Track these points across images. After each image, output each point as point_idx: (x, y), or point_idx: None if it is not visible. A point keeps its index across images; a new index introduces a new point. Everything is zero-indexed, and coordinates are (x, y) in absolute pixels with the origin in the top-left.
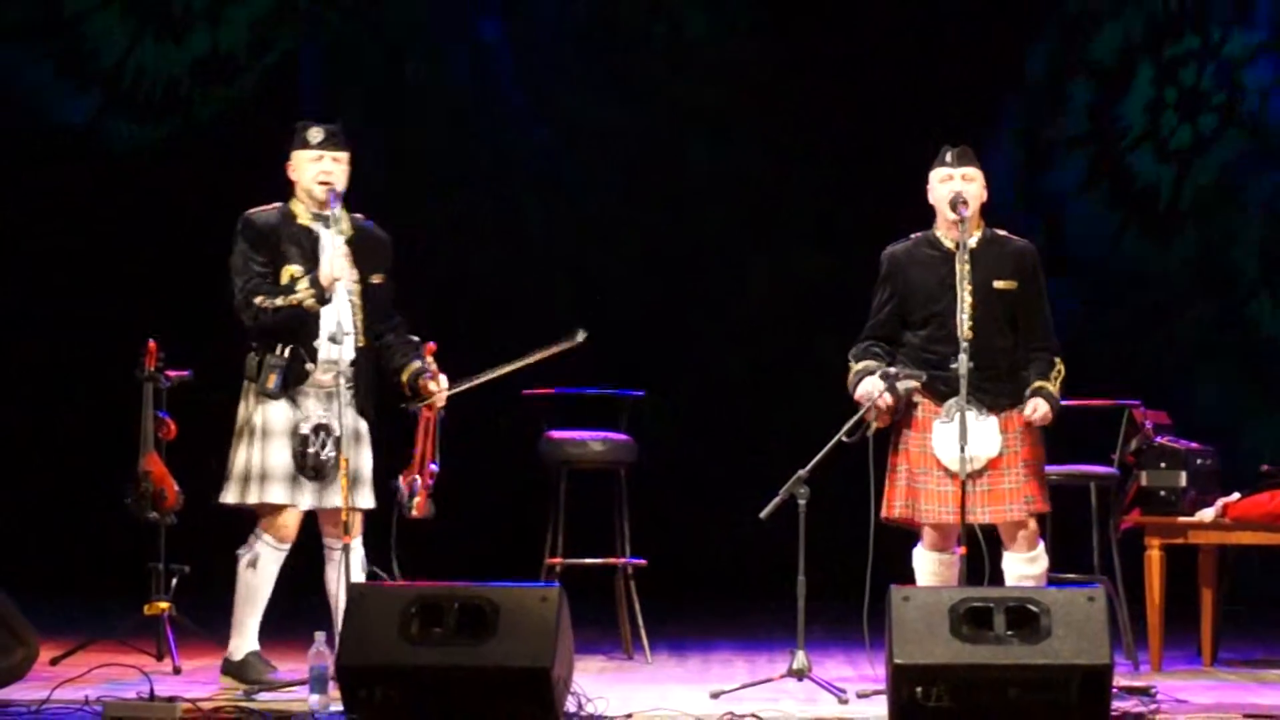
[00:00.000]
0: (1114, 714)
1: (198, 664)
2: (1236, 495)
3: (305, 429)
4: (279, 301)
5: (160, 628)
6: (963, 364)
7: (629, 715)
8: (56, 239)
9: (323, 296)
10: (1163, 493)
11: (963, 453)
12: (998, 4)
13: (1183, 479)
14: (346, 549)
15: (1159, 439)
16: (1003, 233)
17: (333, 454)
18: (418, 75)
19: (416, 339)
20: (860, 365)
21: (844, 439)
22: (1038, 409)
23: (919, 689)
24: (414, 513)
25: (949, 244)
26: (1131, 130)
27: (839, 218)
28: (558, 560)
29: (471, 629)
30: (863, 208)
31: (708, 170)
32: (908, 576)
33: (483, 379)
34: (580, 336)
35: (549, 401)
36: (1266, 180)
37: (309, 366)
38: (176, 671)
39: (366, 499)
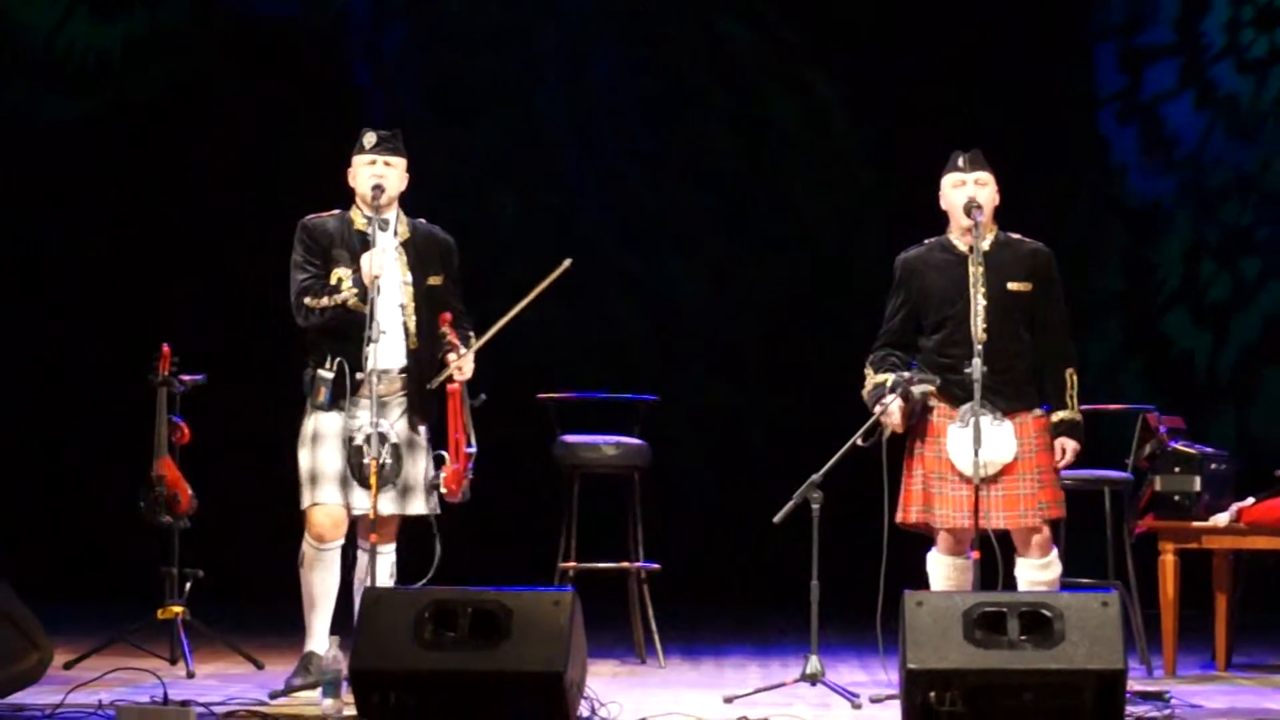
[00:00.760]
0: (1128, 719)
1: (211, 668)
2: (1251, 500)
3: (359, 438)
4: (325, 301)
5: (174, 632)
6: (976, 368)
7: None
8: (70, 243)
9: (364, 295)
10: (1177, 497)
11: (976, 457)
12: None
13: (1197, 484)
14: (373, 551)
15: (1173, 444)
16: (1016, 235)
17: (389, 461)
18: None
19: (471, 334)
20: (880, 377)
21: (859, 443)
22: (1066, 450)
23: (932, 694)
24: (446, 495)
25: (963, 248)
26: None
27: (857, 218)
28: (571, 564)
29: (485, 633)
30: (880, 211)
31: (727, 170)
32: (921, 581)
33: (492, 332)
34: (567, 263)
35: (562, 405)
36: None
37: (359, 376)
38: (190, 676)
39: (418, 505)
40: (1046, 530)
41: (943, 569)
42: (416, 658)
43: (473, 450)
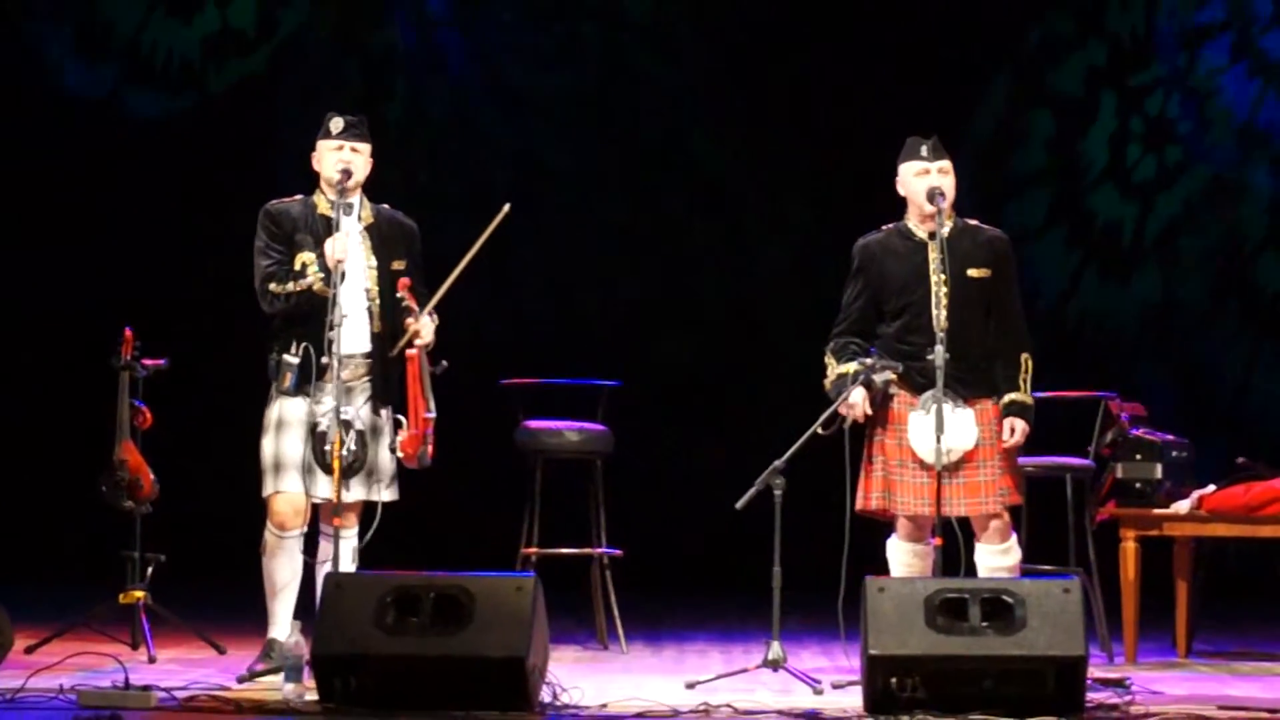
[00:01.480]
0: (1089, 705)
1: (173, 653)
2: (1212, 487)
3: (323, 424)
4: (290, 286)
5: (135, 616)
6: (939, 354)
7: (604, 705)
8: (32, 227)
9: (329, 279)
10: (1138, 485)
11: (939, 444)
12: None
13: (1158, 471)
14: (336, 536)
15: (1134, 431)
16: (974, 222)
17: (354, 448)
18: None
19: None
20: (843, 368)
21: (820, 431)
22: (1015, 430)
23: (894, 680)
24: (403, 459)
25: (922, 234)
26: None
27: (810, 206)
28: (533, 550)
29: (447, 618)
30: (834, 198)
31: (685, 161)
32: (883, 568)
33: (444, 288)
34: (506, 208)
35: (525, 391)
36: None
37: (324, 360)
38: (151, 660)
39: (385, 492)
40: (1006, 516)
41: (903, 556)
42: (379, 643)
43: (431, 415)
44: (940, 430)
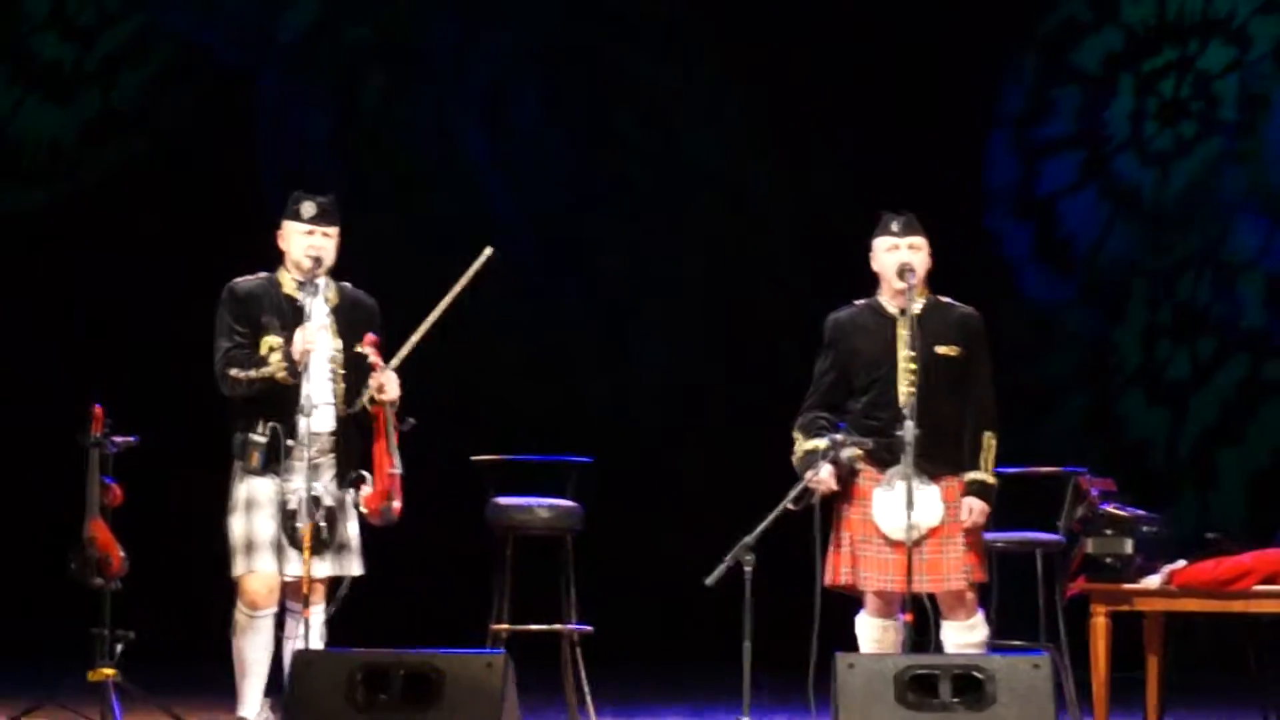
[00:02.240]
0: None
1: None
2: (1182, 562)
3: (293, 503)
4: (252, 374)
5: (105, 694)
6: (909, 430)
7: None
8: (1, 301)
9: (295, 370)
10: (1109, 560)
11: (909, 519)
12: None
13: (1129, 546)
14: (307, 622)
15: (1105, 506)
16: (947, 299)
17: (324, 524)
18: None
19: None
20: (810, 444)
21: (789, 507)
22: (972, 510)
23: None
24: (367, 516)
25: (892, 310)
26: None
27: (768, 279)
28: (504, 626)
29: (417, 696)
30: (802, 276)
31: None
32: (853, 644)
33: (418, 335)
34: (488, 251)
35: (496, 467)
36: None
37: (289, 442)
38: None
39: (355, 566)
40: (971, 593)
41: (872, 631)
42: None
43: (397, 471)
44: (911, 506)
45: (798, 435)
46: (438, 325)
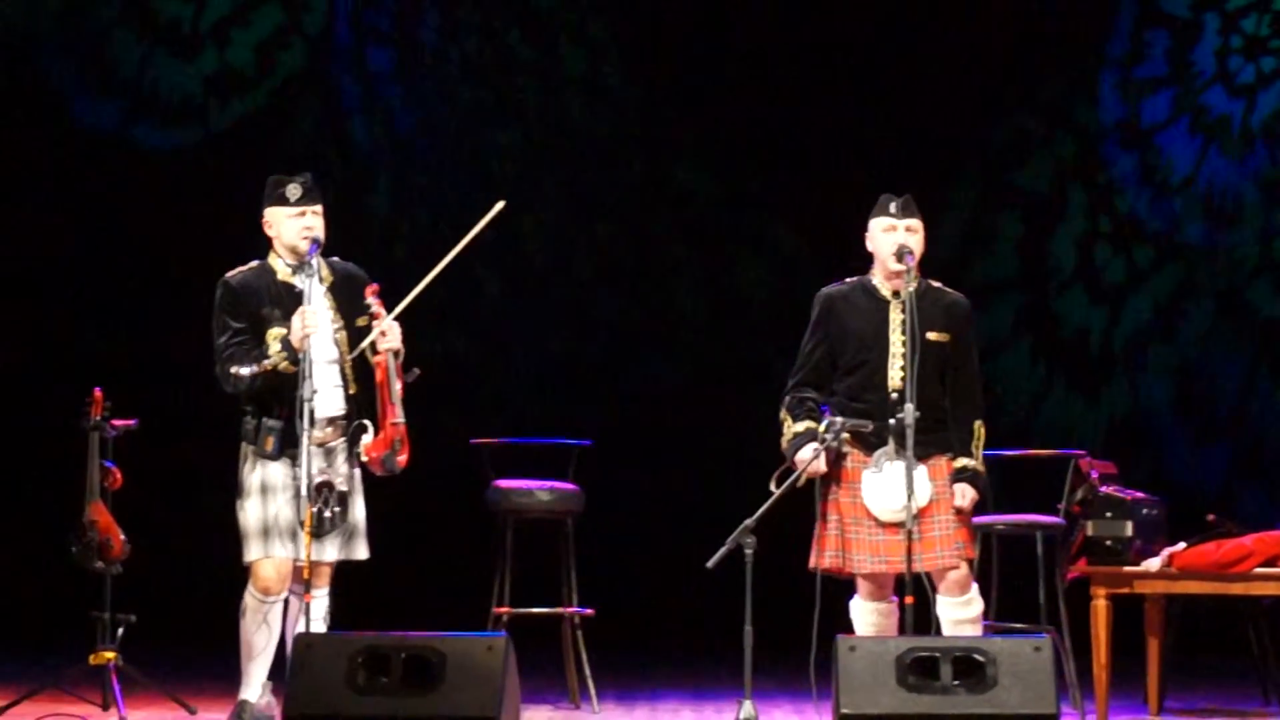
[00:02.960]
0: None
1: (144, 714)
2: (1182, 545)
3: (304, 488)
4: (255, 369)
5: (106, 678)
6: (909, 414)
7: None
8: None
9: (295, 357)
10: (1109, 542)
11: (910, 501)
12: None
13: (1129, 529)
14: (307, 606)
15: (1105, 489)
16: (937, 284)
17: (337, 509)
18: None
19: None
20: (799, 426)
21: (773, 489)
22: (965, 496)
23: None
24: (368, 465)
25: (885, 292)
26: None
27: (779, 255)
28: (505, 610)
29: (418, 679)
30: (807, 253)
31: (660, 216)
32: (852, 627)
33: (425, 282)
34: (500, 204)
35: (496, 450)
36: None
37: (304, 424)
38: None
39: (361, 550)
40: (964, 567)
41: (866, 615)
42: (350, 703)
43: (400, 421)
44: (910, 488)
45: (785, 417)
46: (441, 277)
